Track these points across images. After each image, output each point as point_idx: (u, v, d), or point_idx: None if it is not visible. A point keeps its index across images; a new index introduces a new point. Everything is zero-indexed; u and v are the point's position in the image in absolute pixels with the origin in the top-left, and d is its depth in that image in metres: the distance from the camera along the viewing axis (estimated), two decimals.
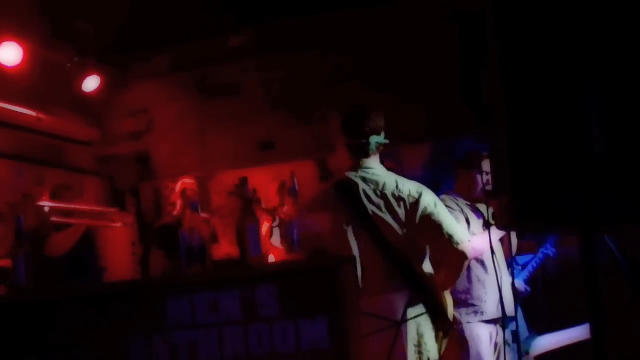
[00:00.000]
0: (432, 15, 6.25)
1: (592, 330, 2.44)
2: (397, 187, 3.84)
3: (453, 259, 3.86)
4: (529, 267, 5.30)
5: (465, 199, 4.79)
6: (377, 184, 3.85)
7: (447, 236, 3.79)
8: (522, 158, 2.38)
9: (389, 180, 3.87)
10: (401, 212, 3.79)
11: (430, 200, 3.84)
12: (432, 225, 3.80)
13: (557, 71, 2.37)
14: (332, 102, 6.73)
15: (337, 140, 4.03)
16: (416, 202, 3.81)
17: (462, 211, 4.69)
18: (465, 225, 4.63)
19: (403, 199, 3.81)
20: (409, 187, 3.85)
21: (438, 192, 5.02)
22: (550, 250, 5.43)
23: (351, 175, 3.91)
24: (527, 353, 4.88)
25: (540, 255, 5.40)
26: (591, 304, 2.43)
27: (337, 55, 6.93)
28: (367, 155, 3.92)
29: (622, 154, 2.33)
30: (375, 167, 3.92)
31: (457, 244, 3.79)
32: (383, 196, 3.82)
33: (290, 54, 6.98)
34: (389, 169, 4.01)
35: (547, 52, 2.38)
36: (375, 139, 3.91)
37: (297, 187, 4.58)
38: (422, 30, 6.46)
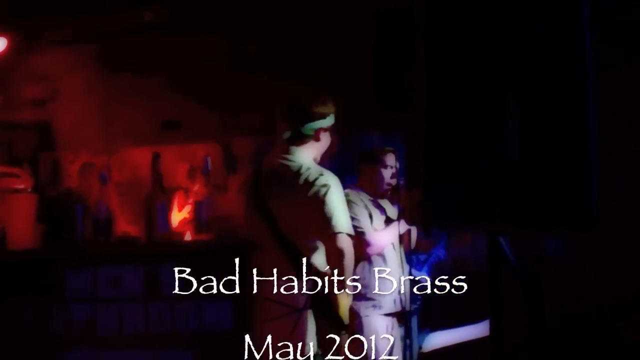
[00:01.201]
0: (351, 7, 6.27)
1: (492, 328, 2.50)
2: (298, 172, 3.74)
3: (332, 250, 3.66)
4: (427, 265, 5.38)
5: (368, 193, 4.81)
6: (284, 169, 3.79)
7: (326, 220, 3.63)
8: (437, 155, 2.42)
9: (296, 166, 3.77)
10: (295, 198, 3.70)
11: (323, 185, 3.70)
12: (317, 210, 3.67)
13: (480, 74, 2.42)
14: (241, 87, 6.74)
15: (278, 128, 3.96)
16: (308, 186, 3.70)
17: (366, 206, 4.72)
18: (368, 220, 4.67)
19: (298, 185, 3.71)
20: (310, 172, 3.74)
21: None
22: (441, 252, 5.52)
23: (267, 159, 3.89)
24: (420, 348, 4.97)
25: (433, 256, 5.49)
26: (492, 302, 2.50)
27: (251, 40, 6.89)
28: (294, 143, 3.89)
29: (536, 161, 2.41)
30: (295, 154, 3.83)
31: (335, 230, 3.62)
32: (282, 182, 3.75)
33: (202, 34, 6.92)
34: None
35: (471, 56, 2.43)
36: (308, 127, 3.84)
37: (210, 168, 4.53)
38: (339, 21, 6.48)
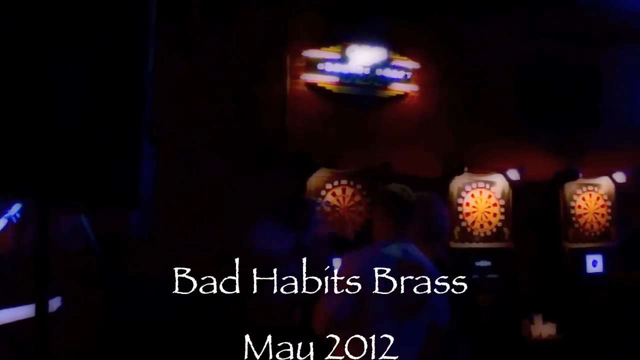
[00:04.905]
0: None
1: (37, 308, 2.37)
2: None
3: None
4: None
5: None
6: None
7: None
8: None
9: None
10: None
11: None
12: None
13: (29, 41, 2.26)
14: None
15: None
16: None
17: None
18: None
19: None
20: None
21: None
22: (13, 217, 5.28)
23: None
24: None
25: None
26: (38, 279, 2.36)
27: None
28: None
29: (88, 139, 2.32)
30: None
31: None
32: None
33: None
34: None
35: (20, 21, 2.26)
36: None
37: None
38: None
